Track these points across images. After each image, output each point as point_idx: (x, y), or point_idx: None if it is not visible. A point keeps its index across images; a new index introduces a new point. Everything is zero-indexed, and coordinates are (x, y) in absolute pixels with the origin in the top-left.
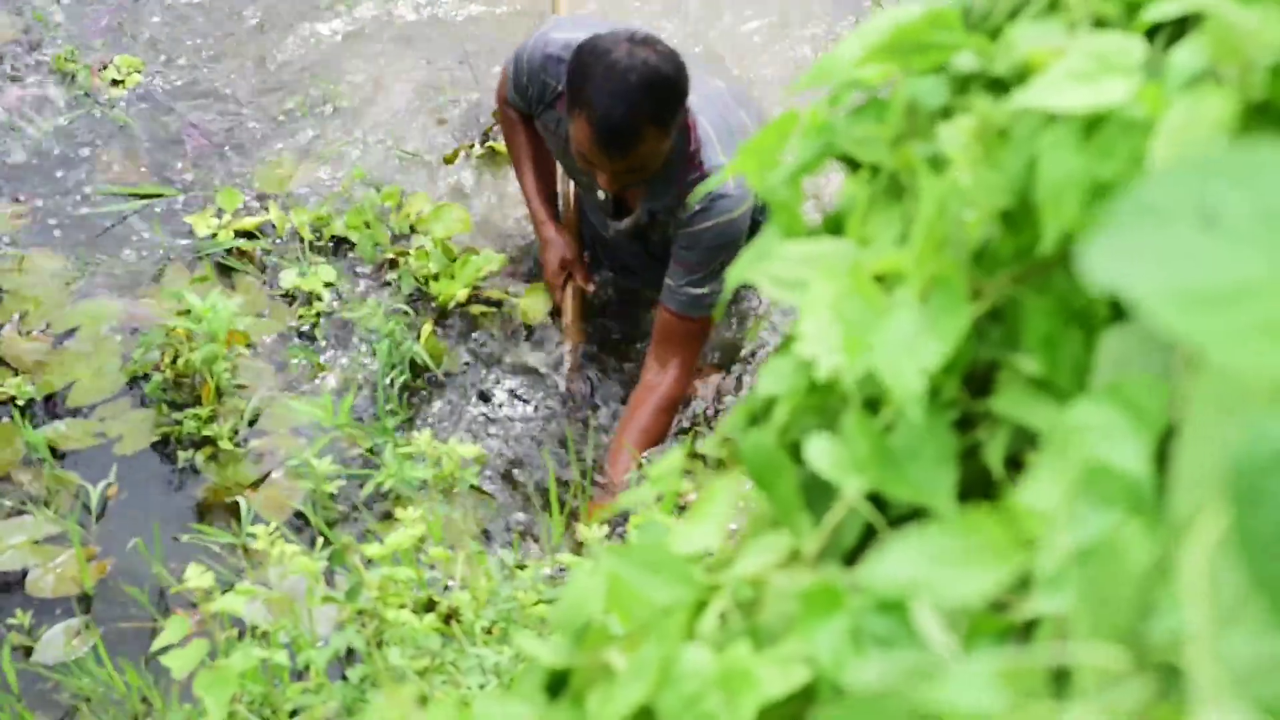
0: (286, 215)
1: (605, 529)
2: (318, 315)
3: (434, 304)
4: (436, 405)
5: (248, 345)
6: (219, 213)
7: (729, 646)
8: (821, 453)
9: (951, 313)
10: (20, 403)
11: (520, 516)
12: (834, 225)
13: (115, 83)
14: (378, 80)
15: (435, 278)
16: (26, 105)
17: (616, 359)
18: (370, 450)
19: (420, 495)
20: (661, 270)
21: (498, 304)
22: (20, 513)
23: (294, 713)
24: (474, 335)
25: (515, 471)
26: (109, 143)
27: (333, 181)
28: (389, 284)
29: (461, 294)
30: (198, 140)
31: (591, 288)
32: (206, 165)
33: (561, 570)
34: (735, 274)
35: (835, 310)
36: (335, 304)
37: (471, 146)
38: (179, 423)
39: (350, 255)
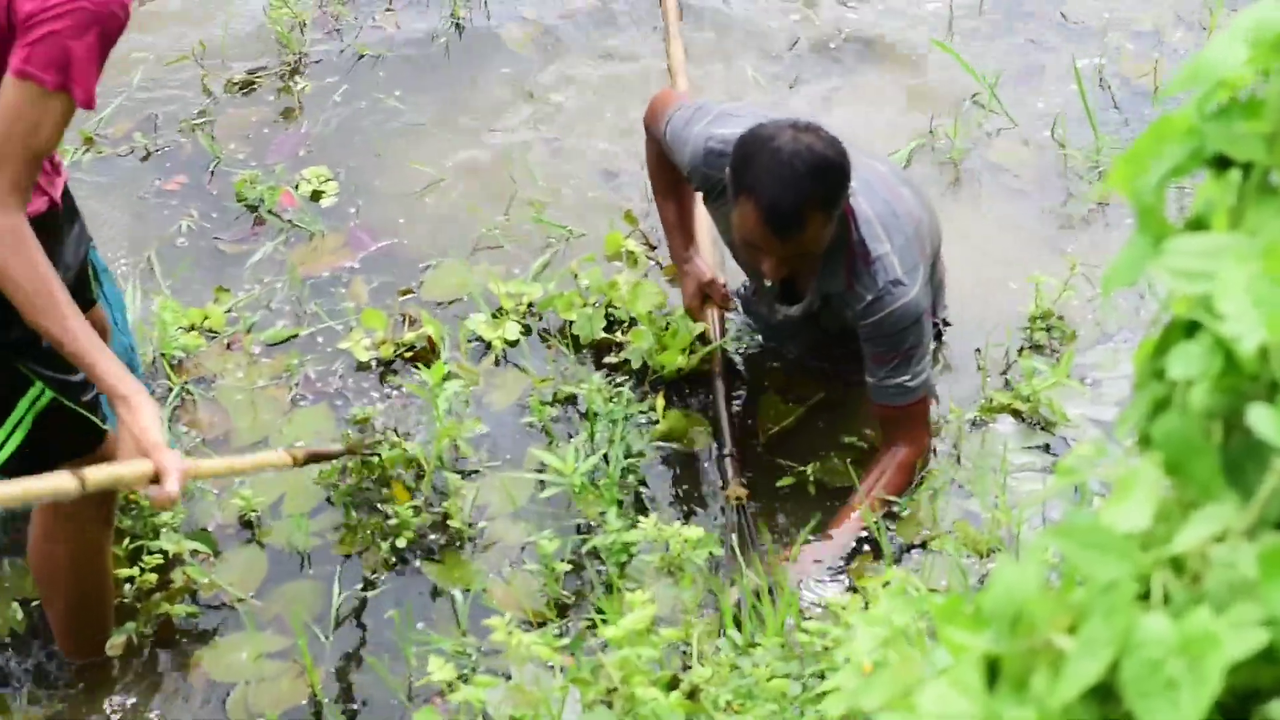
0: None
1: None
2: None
3: (657, 376)
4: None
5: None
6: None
7: (1182, 615)
8: (1265, 419)
9: None
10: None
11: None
12: (1196, 226)
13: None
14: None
15: (655, 352)
16: None
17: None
18: (594, 521)
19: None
20: (828, 345)
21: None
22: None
23: None
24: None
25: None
26: None
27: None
28: (603, 365)
29: (682, 360)
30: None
31: (733, 305)
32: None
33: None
34: (1109, 280)
35: (1253, 293)
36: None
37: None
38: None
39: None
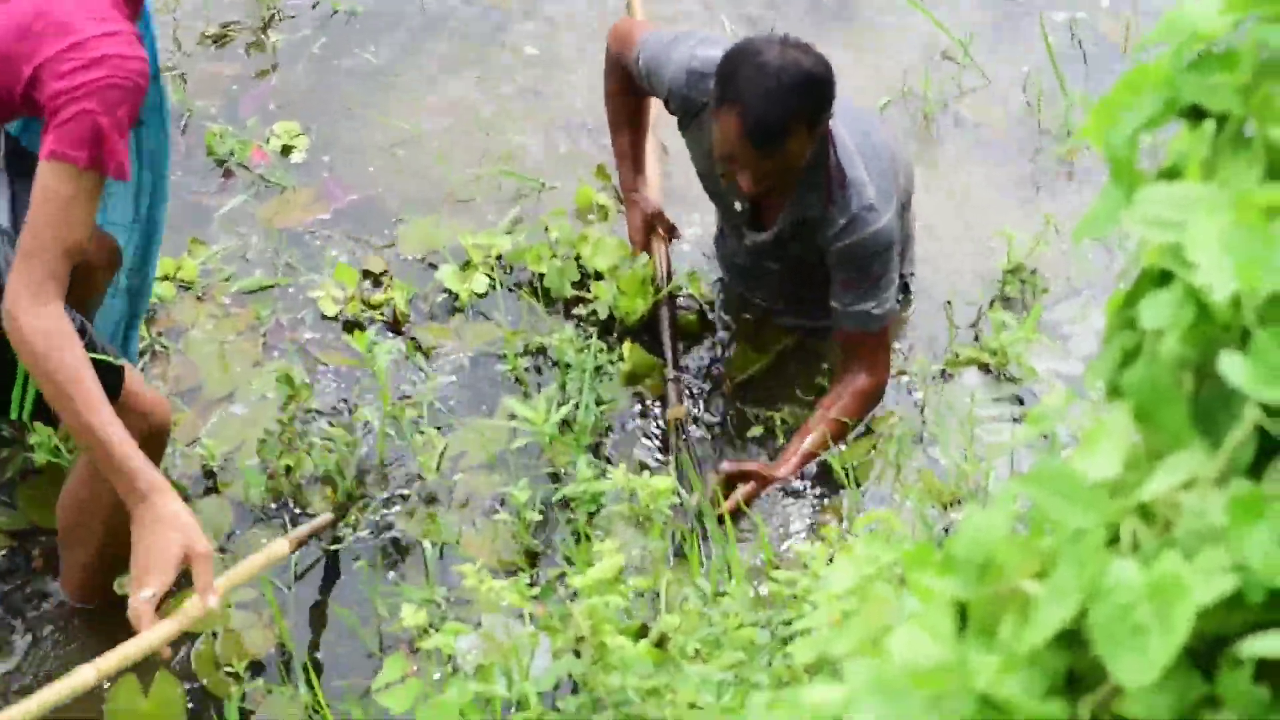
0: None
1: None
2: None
3: (623, 325)
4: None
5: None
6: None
7: (1151, 562)
8: (1236, 367)
9: None
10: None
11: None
12: (1169, 176)
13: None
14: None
15: (618, 301)
16: None
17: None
18: (566, 469)
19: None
20: (794, 286)
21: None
22: None
23: None
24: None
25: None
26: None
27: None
28: (573, 317)
29: (643, 306)
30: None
31: (679, 234)
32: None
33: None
34: (1080, 231)
35: (1224, 243)
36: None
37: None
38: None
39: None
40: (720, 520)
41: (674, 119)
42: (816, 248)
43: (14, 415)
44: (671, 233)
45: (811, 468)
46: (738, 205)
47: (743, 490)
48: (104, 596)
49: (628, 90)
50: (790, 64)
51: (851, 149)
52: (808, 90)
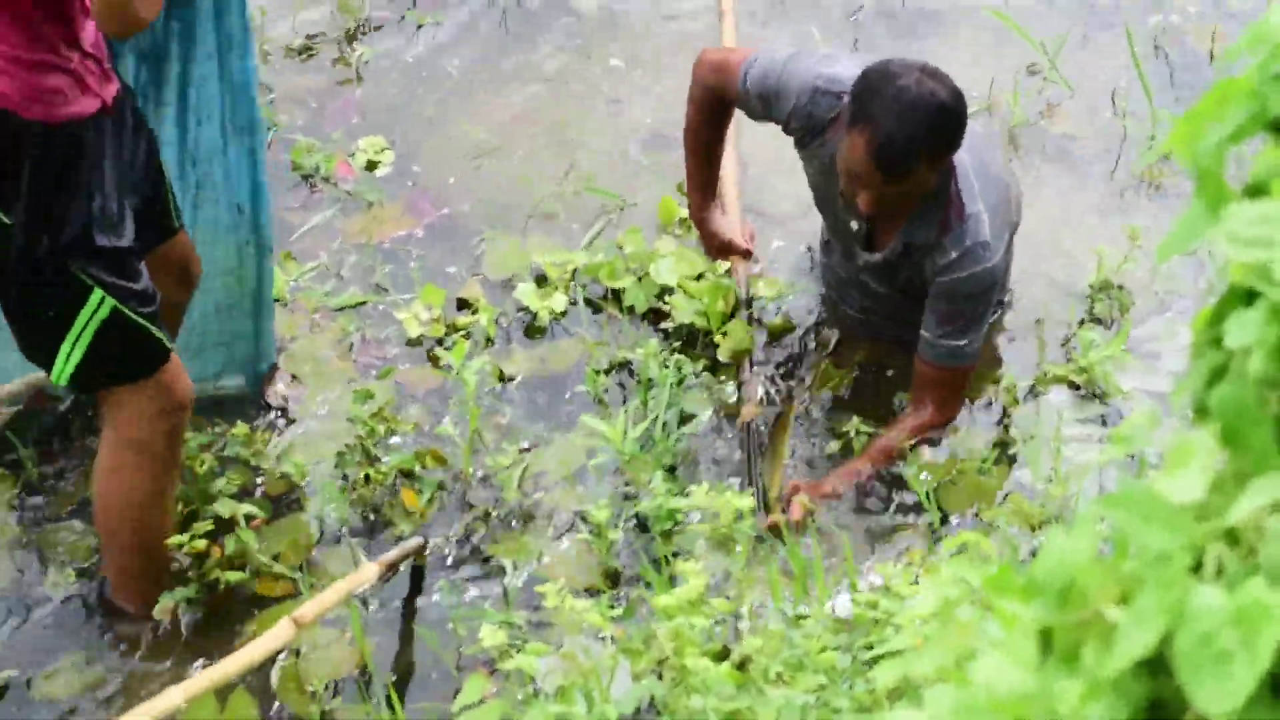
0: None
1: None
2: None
3: (709, 336)
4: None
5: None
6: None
7: (1235, 588)
8: None
9: None
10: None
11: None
12: (1256, 192)
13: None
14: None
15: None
16: None
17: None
18: (643, 488)
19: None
20: (905, 308)
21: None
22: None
23: None
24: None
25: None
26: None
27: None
28: (660, 330)
29: (722, 315)
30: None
31: (754, 257)
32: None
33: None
34: (1165, 248)
35: None
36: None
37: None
38: None
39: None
40: (778, 533)
41: (789, 138)
42: (924, 275)
43: (55, 380)
44: (747, 255)
45: (896, 489)
46: (854, 224)
47: (795, 505)
48: (149, 601)
49: (712, 122)
50: (927, 94)
51: (973, 180)
52: (941, 124)
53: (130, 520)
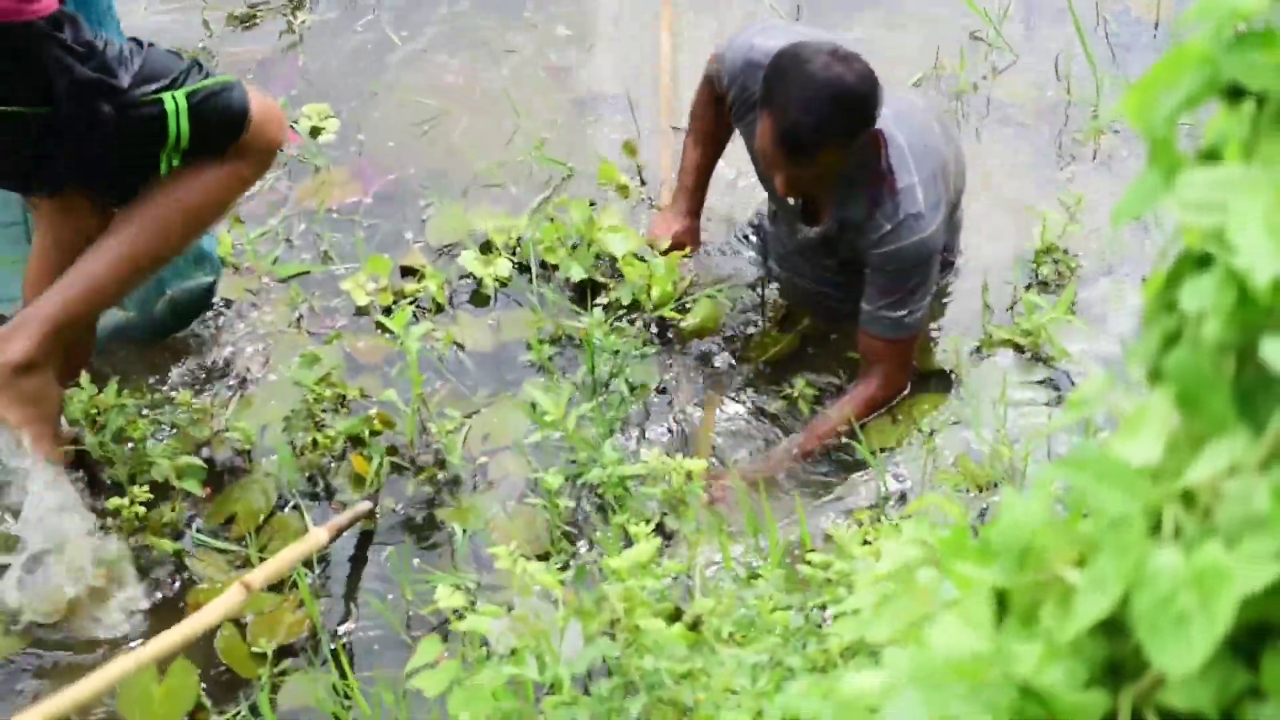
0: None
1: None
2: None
3: (655, 309)
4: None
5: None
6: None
7: (1193, 550)
8: (1278, 352)
9: None
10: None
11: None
12: (1209, 158)
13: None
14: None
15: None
16: None
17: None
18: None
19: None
20: (851, 280)
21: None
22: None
23: None
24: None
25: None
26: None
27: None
28: (597, 304)
29: (670, 292)
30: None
31: (696, 249)
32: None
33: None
34: (1119, 214)
35: (1267, 225)
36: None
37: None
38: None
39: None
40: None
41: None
42: (860, 249)
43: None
44: (695, 244)
45: (845, 451)
46: (790, 200)
47: (719, 485)
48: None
49: (709, 111)
50: (834, 79)
51: (906, 153)
52: (846, 107)
53: (196, 220)
